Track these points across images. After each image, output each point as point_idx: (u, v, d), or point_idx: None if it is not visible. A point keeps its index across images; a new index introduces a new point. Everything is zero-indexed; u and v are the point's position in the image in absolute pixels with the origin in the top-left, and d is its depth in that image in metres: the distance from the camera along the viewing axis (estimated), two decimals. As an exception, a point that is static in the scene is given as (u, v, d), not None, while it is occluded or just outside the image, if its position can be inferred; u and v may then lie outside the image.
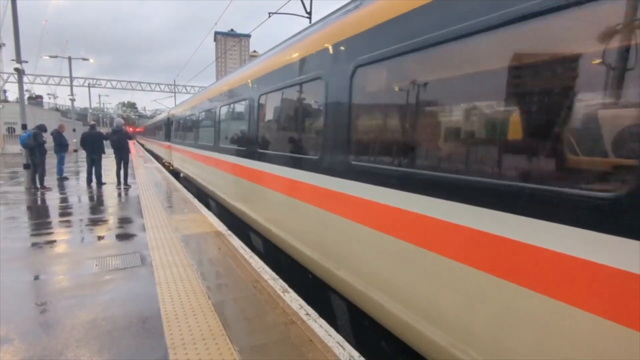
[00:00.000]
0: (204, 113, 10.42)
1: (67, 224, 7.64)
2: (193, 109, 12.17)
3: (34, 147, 11.52)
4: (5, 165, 19.67)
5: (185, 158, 13.72)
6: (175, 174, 17.00)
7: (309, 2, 11.40)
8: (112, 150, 12.67)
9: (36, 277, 4.83)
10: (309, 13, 11.56)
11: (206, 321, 3.57)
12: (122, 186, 12.30)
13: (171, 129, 18.09)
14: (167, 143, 19.27)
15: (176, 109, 17.57)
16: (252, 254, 5.65)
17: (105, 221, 7.84)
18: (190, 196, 10.76)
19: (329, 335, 3.33)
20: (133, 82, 57.90)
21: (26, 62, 13.12)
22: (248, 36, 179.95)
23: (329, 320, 3.98)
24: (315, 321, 3.58)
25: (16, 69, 12.21)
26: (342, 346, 3.15)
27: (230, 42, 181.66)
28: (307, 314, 3.72)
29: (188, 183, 13.96)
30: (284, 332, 3.40)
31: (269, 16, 12.70)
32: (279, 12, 12.36)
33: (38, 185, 11.73)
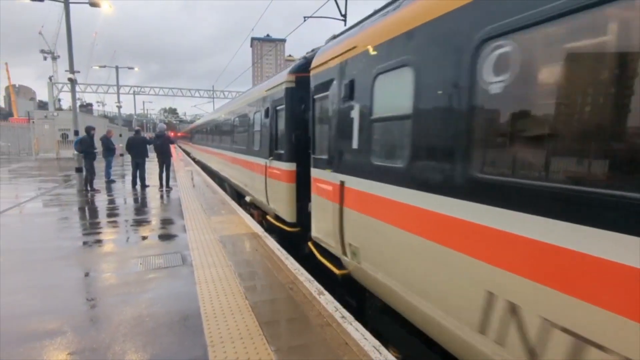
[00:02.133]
0: None
1: (114, 224, 8.05)
2: None
3: (87, 152, 12.28)
4: (59, 169, 21.03)
5: None
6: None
7: (344, 4, 11.45)
8: (155, 154, 13.26)
9: (87, 274, 5.12)
10: (344, 15, 11.60)
11: (244, 321, 3.64)
12: (164, 188, 12.82)
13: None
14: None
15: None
16: (287, 255, 5.71)
17: (148, 222, 8.20)
18: (227, 198, 11.03)
19: (365, 339, 3.30)
20: (174, 88, 60.46)
21: (78, 72, 14.01)
22: (283, 41, 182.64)
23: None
24: (351, 324, 3.57)
25: (69, 79, 13.07)
26: (378, 350, 3.11)
27: (266, 47, 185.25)
28: (343, 317, 3.71)
29: None
30: (320, 334, 3.41)
31: (304, 20, 12.87)
32: (314, 16, 12.49)
33: (88, 187, 12.45)
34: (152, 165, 16.05)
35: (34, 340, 3.32)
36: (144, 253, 5.91)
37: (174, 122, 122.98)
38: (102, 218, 8.77)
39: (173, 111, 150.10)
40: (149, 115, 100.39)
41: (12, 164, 23.61)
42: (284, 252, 5.88)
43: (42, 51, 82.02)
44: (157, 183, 13.16)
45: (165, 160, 12.98)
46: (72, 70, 12.95)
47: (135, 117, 56.34)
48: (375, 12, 4.30)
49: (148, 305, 4.06)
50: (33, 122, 31.43)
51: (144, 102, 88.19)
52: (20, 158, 29.72)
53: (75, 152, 12.45)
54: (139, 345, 3.22)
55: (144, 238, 6.89)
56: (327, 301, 4.09)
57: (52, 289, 4.55)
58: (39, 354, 3.12)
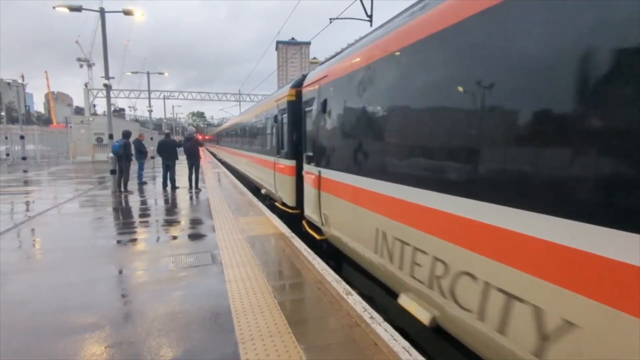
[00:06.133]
0: None
1: (147, 224, 8.31)
2: None
3: (122, 155, 12.76)
4: (94, 171, 21.89)
5: None
6: None
7: (370, 5, 11.42)
8: (185, 157, 13.62)
9: (122, 272, 5.32)
10: (370, 16, 11.56)
11: (273, 319, 3.69)
12: (193, 190, 13.13)
13: None
14: None
15: None
16: (315, 256, 5.73)
17: (179, 222, 8.42)
18: (255, 199, 11.18)
19: (394, 339, 3.28)
20: (202, 92, 62.03)
21: (113, 78, 14.56)
22: (308, 44, 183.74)
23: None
24: (380, 325, 3.55)
25: (105, 85, 13.63)
26: (408, 352, 3.08)
27: (291, 50, 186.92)
28: (372, 317, 3.70)
29: None
30: (349, 334, 3.41)
31: (330, 22, 12.90)
32: (340, 17, 12.51)
33: (122, 189, 12.91)
34: (181, 167, 16.48)
35: (75, 332, 3.48)
36: (175, 252, 6.07)
37: (202, 125, 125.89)
38: (136, 218, 9.07)
39: (201, 115, 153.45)
40: (178, 119, 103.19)
41: (52, 167, 24.78)
42: (311, 252, 5.91)
43: (79, 59, 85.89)
44: (187, 184, 13.50)
45: (194, 163, 13.32)
46: (107, 76, 13.51)
47: (165, 120, 58.02)
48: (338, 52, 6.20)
49: (180, 302, 4.17)
50: (71, 127, 32.84)
51: (173, 107, 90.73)
52: (58, 161, 31.15)
53: (111, 155, 12.93)
54: (172, 340, 3.32)
55: (175, 237, 7.07)
56: (356, 301, 4.08)
57: (91, 285, 4.74)
58: (81, 345, 3.25)
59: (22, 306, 4.12)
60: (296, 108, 8.15)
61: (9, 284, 4.77)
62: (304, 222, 7.68)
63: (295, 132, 8.27)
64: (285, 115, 8.78)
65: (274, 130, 9.89)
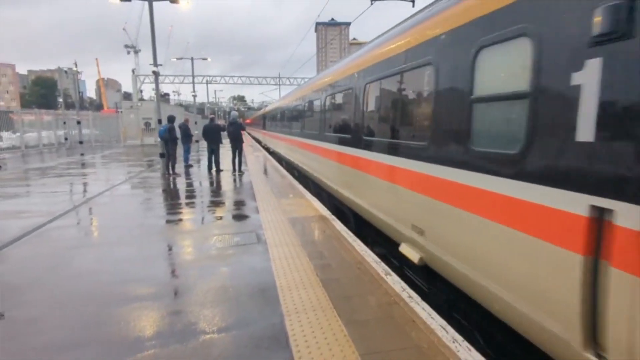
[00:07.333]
0: None
1: (194, 205, 8.83)
2: None
3: (168, 139, 13.44)
4: (143, 154, 23.12)
5: None
6: None
7: (412, -15, 11.14)
8: (229, 140, 14.12)
9: (174, 249, 5.76)
10: (412, -2, 11.31)
11: (315, 295, 3.92)
12: (236, 173, 13.65)
13: None
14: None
15: None
16: (355, 238, 5.91)
17: (224, 203, 8.87)
18: (295, 182, 11.48)
19: (432, 317, 3.41)
20: (243, 76, 63.35)
21: (161, 65, 15.22)
22: (348, 24, 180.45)
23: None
24: (418, 304, 3.69)
25: (153, 72, 14.30)
26: (444, 329, 3.21)
27: (331, 32, 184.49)
28: (410, 297, 3.84)
29: None
30: (387, 311, 3.58)
31: (371, 4, 12.73)
32: (381, -1, 12.32)
33: (170, 171, 13.65)
34: (223, 150, 17.07)
35: (137, 300, 3.89)
36: (223, 231, 6.45)
37: (242, 109, 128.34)
38: (184, 199, 9.63)
39: (241, 98, 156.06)
40: (219, 103, 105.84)
41: (105, 151, 26.40)
42: (351, 234, 6.10)
43: (126, 46, 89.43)
44: (230, 167, 14.03)
45: (237, 146, 13.79)
46: (155, 64, 14.16)
47: (207, 105, 59.93)
48: None
49: (230, 277, 4.50)
50: (121, 112, 34.61)
51: (215, 91, 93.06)
52: (110, 145, 33.07)
53: (159, 139, 13.64)
54: (224, 310, 3.64)
55: (221, 218, 7.49)
56: (394, 281, 4.24)
57: (147, 259, 5.20)
58: (143, 312, 3.65)
59: (90, 277, 4.61)
60: None
61: (78, 258, 5.31)
62: None
63: None
64: None
65: None
